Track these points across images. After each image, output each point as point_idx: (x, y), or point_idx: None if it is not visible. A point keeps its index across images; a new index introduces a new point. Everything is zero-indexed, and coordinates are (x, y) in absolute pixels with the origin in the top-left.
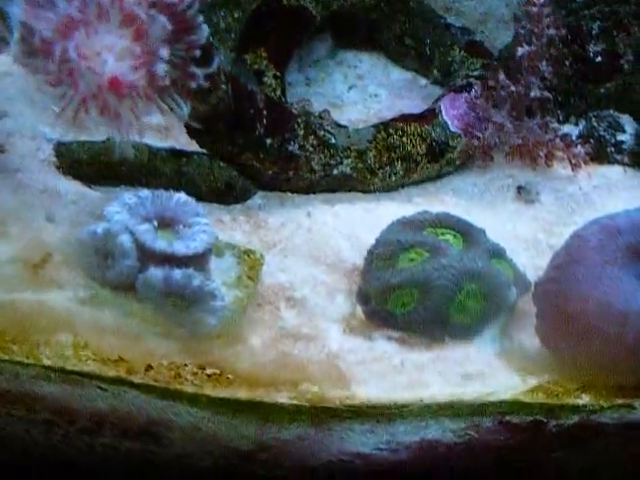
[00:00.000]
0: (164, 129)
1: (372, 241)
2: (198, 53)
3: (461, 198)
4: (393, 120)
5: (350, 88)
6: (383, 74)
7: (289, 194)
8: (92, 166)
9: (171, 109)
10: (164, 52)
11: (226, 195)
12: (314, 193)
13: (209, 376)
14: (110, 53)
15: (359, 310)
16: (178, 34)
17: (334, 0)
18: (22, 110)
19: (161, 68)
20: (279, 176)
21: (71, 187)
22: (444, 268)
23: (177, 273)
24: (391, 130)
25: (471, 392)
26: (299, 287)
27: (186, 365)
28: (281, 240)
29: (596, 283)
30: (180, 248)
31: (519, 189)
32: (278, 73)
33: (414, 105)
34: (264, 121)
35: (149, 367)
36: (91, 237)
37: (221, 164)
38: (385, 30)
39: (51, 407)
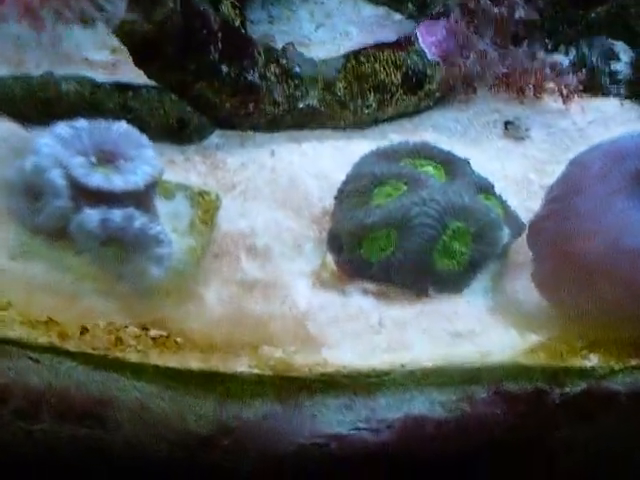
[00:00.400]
0: (110, 65)
1: None
2: None
3: (442, 135)
4: (364, 48)
5: (318, 26)
6: (353, 11)
7: (250, 132)
8: (28, 102)
9: (101, 8)
10: None
11: (179, 133)
12: (278, 130)
13: (154, 339)
14: None
15: (330, 259)
16: None
17: None
18: None
19: None
20: (238, 110)
21: (3, 126)
22: (425, 203)
23: (116, 214)
24: (362, 58)
25: (462, 354)
26: (261, 234)
27: (126, 327)
28: (241, 182)
29: (601, 217)
30: (118, 183)
31: (506, 124)
32: (237, 3)
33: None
34: (219, 45)
35: (84, 330)
36: (19, 174)
37: (173, 97)
38: None
39: None
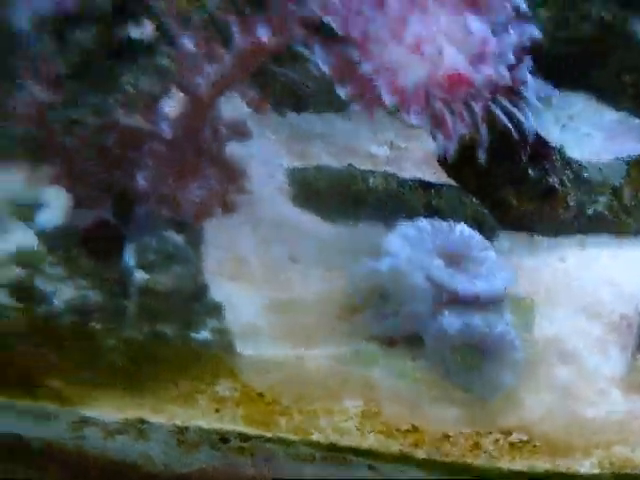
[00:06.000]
0: (392, 161)
1: (636, 289)
2: None
3: None
4: None
5: (562, 129)
6: (595, 115)
7: (536, 235)
8: (332, 196)
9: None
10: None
11: None
12: (564, 234)
13: (512, 444)
14: (447, 39)
15: None
16: None
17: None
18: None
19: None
20: (532, 214)
21: (308, 220)
22: None
23: (478, 319)
24: None
25: None
26: (569, 339)
27: (490, 433)
28: (540, 287)
29: None
30: (484, 288)
31: None
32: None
33: (631, 147)
34: (528, 150)
35: (445, 437)
36: (370, 277)
37: (471, 198)
38: (599, 66)
39: None
